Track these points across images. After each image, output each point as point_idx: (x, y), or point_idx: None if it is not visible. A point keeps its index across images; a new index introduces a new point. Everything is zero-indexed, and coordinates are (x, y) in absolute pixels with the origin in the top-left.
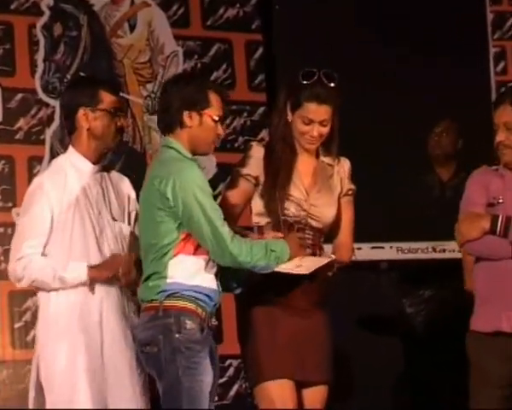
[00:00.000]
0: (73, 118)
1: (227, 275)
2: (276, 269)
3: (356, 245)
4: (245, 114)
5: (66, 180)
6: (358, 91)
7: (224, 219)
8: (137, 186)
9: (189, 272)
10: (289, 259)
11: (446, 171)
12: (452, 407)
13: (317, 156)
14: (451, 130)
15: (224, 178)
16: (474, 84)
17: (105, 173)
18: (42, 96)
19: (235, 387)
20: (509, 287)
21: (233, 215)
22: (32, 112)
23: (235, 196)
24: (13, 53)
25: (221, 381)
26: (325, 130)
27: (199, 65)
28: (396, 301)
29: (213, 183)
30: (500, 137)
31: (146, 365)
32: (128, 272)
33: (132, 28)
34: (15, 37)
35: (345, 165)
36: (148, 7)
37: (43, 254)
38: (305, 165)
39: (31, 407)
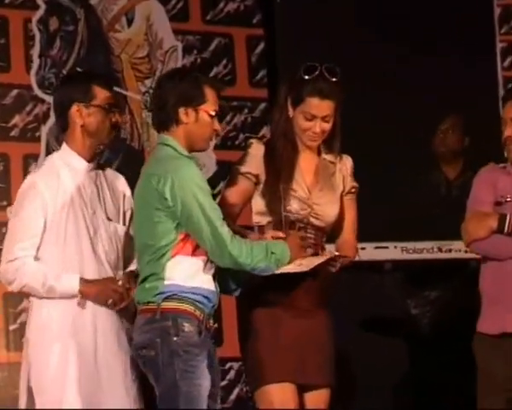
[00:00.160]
0: (67, 114)
1: (225, 277)
2: (277, 271)
3: (359, 245)
4: (246, 111)
5: (59, 179)
6: (362, 88)
7: (224, 218)
8: (135, 184)
9: (187, 274)
10: (290, 260)
11: (452, 169)
12: (457, 409)
13: (319, 154)
14: (457, 127)
15: (224, 176)
16: (481, 80)
17: (100, 171)
18: (37, 92)
19: (236, 390)
20: None
21: (232, 214)
22: (28, 108)
23: (234, 194)
24: (8, 48)
25: (221, 384)
26: (327, 126)
27: (198, 60)
28: (400, 303)
29: (213, 181)
30: (508, 132)
31: (143, 368)
32: (119, 302)
33: (130, 22)
34: (10, 31)
35: (347, 162)
36: (146, 0)
37: (36, 257)
38: (306, 162)
39: None
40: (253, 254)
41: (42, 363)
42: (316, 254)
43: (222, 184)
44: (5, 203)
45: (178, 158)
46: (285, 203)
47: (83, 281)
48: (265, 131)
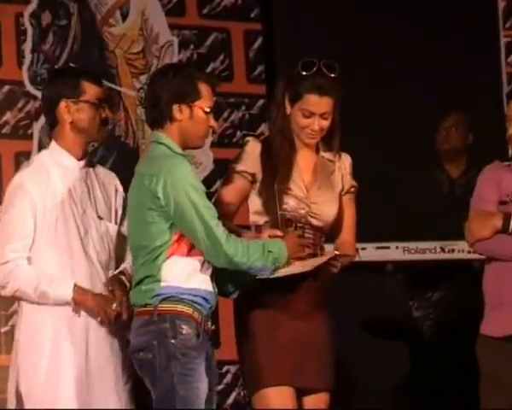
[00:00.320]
0: (55, 111)
1: (223, 278)
2: (278, 275)
3: (360, 245)
4: (243, 108)
5: (49, 178)
6: (362, 85)
7: (219, 217)
8: (130, 183)
9: (184, 275)
10: (287, 260)
11: (456, 167)
12: None
13: (317, 152)
14: (461, 124)
15: (221, 174)
16: (485, 76)
17: (90, 169)
18: (29, 88)
19: (233, 394)
20: None
21: (228, 213)
22: (20, 105)
23: (230, 193)
24: None
25: (218, 388)
26: (326, 123)
27: (195, 55)
28: (402, 305)
29: (210, 179)
30: None
31: (139, 371)
32: (106, 323)
33: (125, 17)
34: (1, 26)
35: (346, 161)
36: None
37: (29, 258)
38: (304, 161)
39: None
40: (249, 253)
41: (33, 366)
42: (314, 254)
43: (219, 183)
44: None
45: (172, 156)
46: (281, 201)
47: (77, 289)
48: (263, 128)
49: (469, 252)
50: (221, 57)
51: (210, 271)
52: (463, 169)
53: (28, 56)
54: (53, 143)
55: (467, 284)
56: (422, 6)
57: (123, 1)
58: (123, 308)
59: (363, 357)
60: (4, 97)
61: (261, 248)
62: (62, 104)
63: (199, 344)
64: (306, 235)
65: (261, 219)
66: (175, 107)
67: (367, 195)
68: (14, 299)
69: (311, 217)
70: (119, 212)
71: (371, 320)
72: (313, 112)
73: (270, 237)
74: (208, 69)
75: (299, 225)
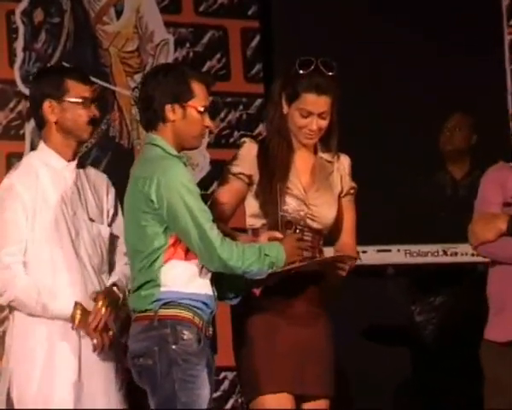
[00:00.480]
0: (40, 111)
1: (223, 283)
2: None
3: (360, 248)
4: (241, 107)
5: (37, 180)
6: (362, 83)
7: (214, 220)
8: (124, 185)
9: (183, 279)
10: (285, 264)
11: (459, 168)
12: None
13: (316, 152)
14: (464, 124)
15: (218, 175)
16: (488, 75)
17: (80, 170)
18: (21, 87)
19: (231, 401)
20: None
21: (224, 216)
22: (11, 105)
23: (226, 195)
24: None
25: (215, 395)
26: (324, 123)
27: (191, 54)
28: (404, 309)
29: (207, 181)
30: None
31: (138, 378)
32: (99, 348)
33: (119, 14)
34: None
35: (345, 162)
36: None
37: (24, 262)
38: (302, 161)
39: None
40: (244, 257)
41: (25, 374)
42: (313, 257)
43: (215, 185)
44: None
45: (166, 158)
46: (281, 203)
47: (79, 307)
48: (261, 128)
49: (473, 255)
50: (218, 56)
51: (209, 275)
52: (467, 170)
53: (20, 55)
54: (41, 144)
55: (470, 288)
56: (425, 4)
57: None
58: (99, 322)
59: (364, 363)
60: None
61: (257, 252)
62: (46, 104)
63: (200, 350)
64: (305, 238)
65: (258, 222)
66: (168, 107)
67: (367, 196)
68: (8, 307)
69: (310, 219)
70: (110, 212)
71: (372, 325)
72: (311, 111)
73: (269, 239)
74: (205, 68)
75: (299, 227)
